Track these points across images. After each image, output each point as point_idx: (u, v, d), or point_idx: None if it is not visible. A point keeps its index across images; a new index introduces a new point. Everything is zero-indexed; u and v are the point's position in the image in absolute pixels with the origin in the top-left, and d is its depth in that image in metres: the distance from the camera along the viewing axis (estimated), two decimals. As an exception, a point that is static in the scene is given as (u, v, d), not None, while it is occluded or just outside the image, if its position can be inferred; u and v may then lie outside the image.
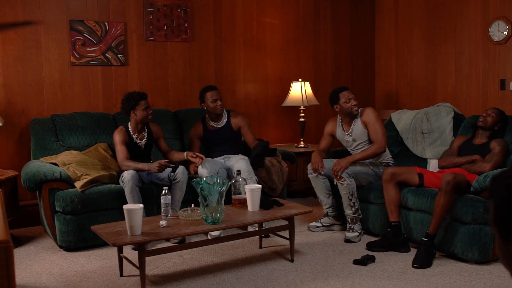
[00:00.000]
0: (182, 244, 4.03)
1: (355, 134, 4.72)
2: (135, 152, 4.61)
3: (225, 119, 5.09)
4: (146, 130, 4.74)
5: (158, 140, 4.86)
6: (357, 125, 4.69)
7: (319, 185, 4.71)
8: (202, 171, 4.61)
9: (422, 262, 3.77)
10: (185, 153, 4.79)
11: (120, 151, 4.52)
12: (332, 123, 4.90)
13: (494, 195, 1.16)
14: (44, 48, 5.11)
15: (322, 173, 4.61)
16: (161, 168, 4.34)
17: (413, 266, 3.77)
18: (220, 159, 4.95)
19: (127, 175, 4.31)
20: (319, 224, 4.79)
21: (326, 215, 4.82)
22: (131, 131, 4.65)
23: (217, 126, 5.06)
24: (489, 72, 5.40)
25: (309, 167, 4.73)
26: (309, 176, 4.76)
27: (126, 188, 4.29)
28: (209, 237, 4.29)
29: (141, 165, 4.44)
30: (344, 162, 4.48)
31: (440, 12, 5.90)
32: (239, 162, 4.76)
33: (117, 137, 4.56)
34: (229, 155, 4.98)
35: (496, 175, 1.20)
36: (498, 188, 1.14)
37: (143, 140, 4.71)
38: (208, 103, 4.95)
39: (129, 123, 4.68)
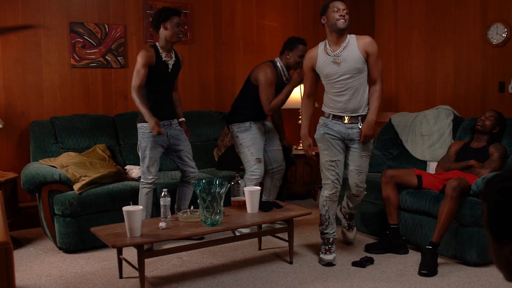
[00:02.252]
0: (182, 245, 4.01)
1: (346, 55, 3.89)
2: (161, 74, 4.27)
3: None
4: (173, 53, 4.39)
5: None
6: (351, 47, 3.92)
7: (334, 208, 4.12)
8: (254, 164, 4.59)
9: (429, 268, 3.73)
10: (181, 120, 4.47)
11: (139, 75, 4.12)
12: (312, 52, 4.06)
13: (487, 199, 1.16)
14: (44, 51, 5.12)
15: (313, 154, 4.10)
16: (159, 132, 4.05)
17: (420, 273, 3.71)
18: (261, 126, 4.76)
19: (147, 188, 4.22)
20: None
21: (331, 243, 4.09)
22: (160, 48, 4.27)
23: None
24: (488, 74, 5.42)
25: (324, 192, 4.05)
26: (323, 197, 4.08)
27: (142, 196, 4.24)
28: (237, 234, 4.39)
29: (144, 110, 4.07)
30: (372, 129, 3.92)
31: (439, 15, 5.91)
32: (277, 154, 4.84)
33: (141, 57, 4.14)
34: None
35: (489, 179, 1.20)
36: (491, 192, 1.14)
37: (172, 59, 4.34)
38: (294, 56, 4.65)
39: (157, 42, 4.31)
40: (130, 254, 3.86)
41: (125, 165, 5.06)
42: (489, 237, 1.19)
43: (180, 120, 4.51)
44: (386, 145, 5.25)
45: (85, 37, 5.26)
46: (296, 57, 4.62)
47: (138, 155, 4.35)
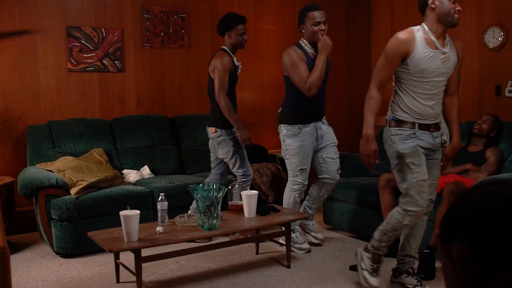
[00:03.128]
0: (179, 250, 3.99)
1: (452, 56, 3.26)
2: (235, 78, 4.50)
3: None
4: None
5: None
6: (452, 46, 3.30)
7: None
8: (298, 174, 4.27)
9: (427, 272, 3.71)
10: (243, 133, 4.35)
11: (223, 81, 4.31)
12: (408, 36, 3.21)
13: (467, 234, 1.00)
14: (41, 55, 5.12)
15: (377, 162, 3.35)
16: (248, 143, 4.32)
17: (418, 277, 3.72)
18: (312, 131, 4.28)
19: (245, 184, 4.44)
20: None
21: (380, 262, 3.52)
22: (231, 53, 4.46)
23: (315, 55, 4.22)
24: (485, 78, 5.43)
25: (405, 218, 3.28)
26: (399, 219, 3.30)
27: (238, 189, 4.28)
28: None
29: (236, 118, 4.32)
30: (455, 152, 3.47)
31: (435, 18, 5.92)
32: (332, 164, 4.34)
33: (223, 63, 4.31)
34: (322, 123, 4.34)
35: (464, 211, 1.02)
36: (475, 225, 1.00)
37: (239, 63, 4.55)
38: (308, 26, 4.16)
39: (224, 46, 4.48)
40: (127, 258, 3.85)
41: (122, 169, 5.06)
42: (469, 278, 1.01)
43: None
44: (383, 149, 5.24)
45: (82, 41, 5.26)
46: (310, 26, 4.08)
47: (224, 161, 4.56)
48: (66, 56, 5.21)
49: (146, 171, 5.11)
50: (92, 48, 5.31)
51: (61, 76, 5.22)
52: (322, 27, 4.10)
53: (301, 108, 4.22)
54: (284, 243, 4.06)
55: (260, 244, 4.41)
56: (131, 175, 4.96)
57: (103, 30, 5.35)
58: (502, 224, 0.98)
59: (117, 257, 3.70)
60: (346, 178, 4.93)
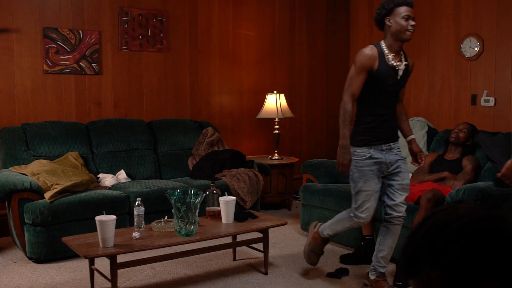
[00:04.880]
0: (156, 256, 3.95)
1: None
2: (386, 82, 3.36)
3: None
4: (403, 55, 3.45)
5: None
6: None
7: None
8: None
9: (404, 280, 3.74)
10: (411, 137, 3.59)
11: (352, 82, 3.36)
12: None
13: (440, 259, 0.93)
14: (16, 56, 5.02)
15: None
16: (342, 171, 3.45)
17: (395, 284, 3.69)
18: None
19: (353, 223, 3.55)
20: None
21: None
22: (384, 48, 3.36)
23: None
24: (461, 87, 5.50)
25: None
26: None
27: (345, 223, 3.63)
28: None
29: (343, 133, 3.32)
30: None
31: (413, 27, 5.98)
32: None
33: (360, 58, 3.33)
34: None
35: (431, 236, 0.97)
36: (448, 248, 0.93)
37: (402, 63, 3.40)
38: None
39: (383, 40, 3.41)
40: (103, 264, 3.79)
41: (98, 173, 4.99)
42: None
43: (409, 138, 3.64)
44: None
45: (59, 42, 5.18)
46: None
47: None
48: (42, 57, 5.12)
49: (122, 175, 5.05)
50: (69, 50, 5.23)
51: (37, 78, 5.13)
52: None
53: None
54: (261, 249, 4.04)
55: (237, 250, 4.38)
56: (107, 179, 4.89)
57: (80, 32, 5.28)
58: (478, 242, 0.92)
59: (92, 263, 3.63)
60: (324, 184, 4.94)
